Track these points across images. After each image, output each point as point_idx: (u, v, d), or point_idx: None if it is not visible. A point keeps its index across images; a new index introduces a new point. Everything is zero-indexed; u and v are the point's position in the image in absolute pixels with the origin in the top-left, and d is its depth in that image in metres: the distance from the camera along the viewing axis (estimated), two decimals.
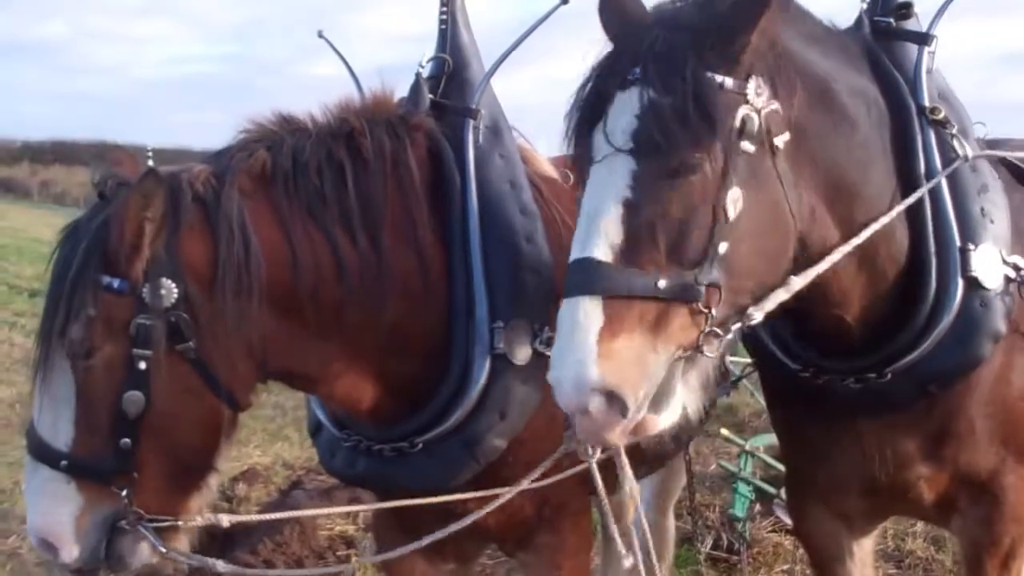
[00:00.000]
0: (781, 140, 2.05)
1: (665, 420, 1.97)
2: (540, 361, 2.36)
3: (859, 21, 2.64)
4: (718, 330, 1.97)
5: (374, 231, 2.36)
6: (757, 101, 2.00)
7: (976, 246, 2.43)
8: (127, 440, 2.15)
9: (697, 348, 1.96)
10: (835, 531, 2.93)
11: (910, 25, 2.63)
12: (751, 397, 5.72)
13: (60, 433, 2.18)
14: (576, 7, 2.60)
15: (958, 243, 2.42)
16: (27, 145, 50.68)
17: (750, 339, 2.77)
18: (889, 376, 2.45)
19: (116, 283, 2.14)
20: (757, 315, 2.08)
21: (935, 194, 2.44)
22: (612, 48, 2.11)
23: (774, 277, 2.11)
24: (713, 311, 1.94)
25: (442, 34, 2.70)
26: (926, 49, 2.57)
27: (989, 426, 2.53)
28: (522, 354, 2.44)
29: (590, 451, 2.21)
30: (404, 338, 2.43)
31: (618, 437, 1.96)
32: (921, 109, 2.48)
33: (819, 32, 2.38)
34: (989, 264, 2.43)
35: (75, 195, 35.02)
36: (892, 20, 2.61)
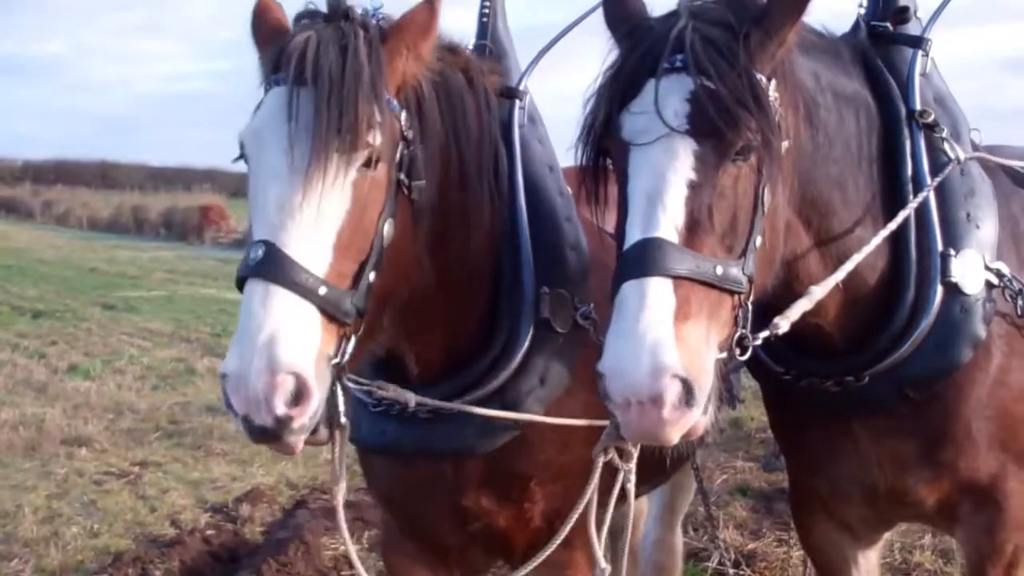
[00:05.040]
0: (784, 147, 2.04)
1: (706, 421, 1.85)
2: (576, 334, 2.42)
3: (856, 26, 2.63)
4: (749, 335, 1.93)
5: (479, 158, 2.39)
6: (775, 104, 2.00)
7: (958, 252, 2.41)
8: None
9: (730, 351, 1.90)
10: (840, 542, 2.90)
11: (910, 29, 2.62)
12: (757, 411, 5.71)
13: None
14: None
15: (940, 248, 2.41)
16: (28, 164, 50.94)
17: None
18: (867, 379, 2.44)
19: None
20: (783, 324, 2.07)
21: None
22: (634, 40, 2.05)
23: (772, 280, 2.14)
24: (750, 306, 1.92)
25: (482, 25, 2.74)
26: (919, 52, 2.56)
27: (987, 430, 2.49)
28: (563, 323, 2.44)
29: (630, 450, 2.14)
30: (471, 289, 2.44)
31: (677, 433, 1.78)
32: (911, 113, 2.47)
33: (812, 40, 2.35)
34: (970, 270, 2.41)
35: (78, 215, 35.04)
36: (889, 24, 2.61)
